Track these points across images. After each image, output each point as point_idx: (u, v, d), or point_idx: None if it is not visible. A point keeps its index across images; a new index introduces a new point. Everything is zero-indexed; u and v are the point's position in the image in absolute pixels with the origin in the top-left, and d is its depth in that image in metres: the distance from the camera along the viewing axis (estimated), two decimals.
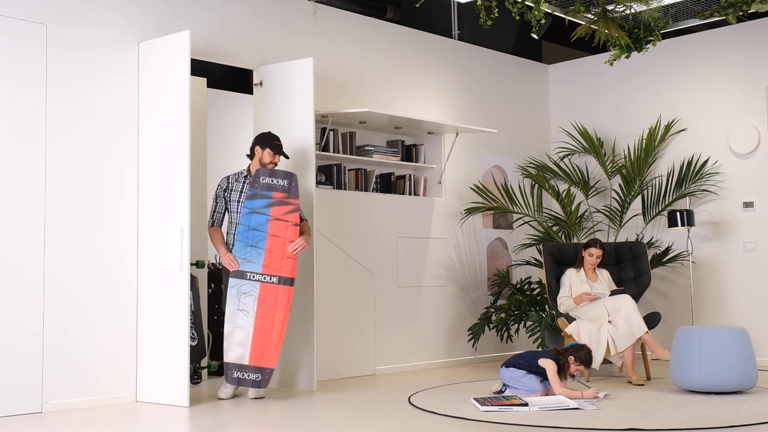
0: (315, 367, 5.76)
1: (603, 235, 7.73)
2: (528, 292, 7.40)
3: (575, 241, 7.60)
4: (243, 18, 6.22)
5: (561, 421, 4.43)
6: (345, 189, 6.81)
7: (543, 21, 5.97)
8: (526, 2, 6.03)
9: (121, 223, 5.39)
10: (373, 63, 7.13)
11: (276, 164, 5.50)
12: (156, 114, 5.43)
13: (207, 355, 6.52)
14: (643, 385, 5.86)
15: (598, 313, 6.15)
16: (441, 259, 7.45)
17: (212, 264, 6.80)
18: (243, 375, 5.29)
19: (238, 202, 5.42)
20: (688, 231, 7.35)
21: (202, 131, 6.54)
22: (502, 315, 7.35)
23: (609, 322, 6.07)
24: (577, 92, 8.53)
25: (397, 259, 7.05)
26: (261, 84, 6.17)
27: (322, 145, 6.56)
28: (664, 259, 7.41)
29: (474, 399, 5.06)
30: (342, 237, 6.63)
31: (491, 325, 7.32)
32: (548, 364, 5.27)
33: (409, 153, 7.37)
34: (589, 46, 7.21)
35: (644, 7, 6.20)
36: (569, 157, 8.17)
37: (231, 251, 5.38)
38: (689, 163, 7.50)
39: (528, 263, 7.79)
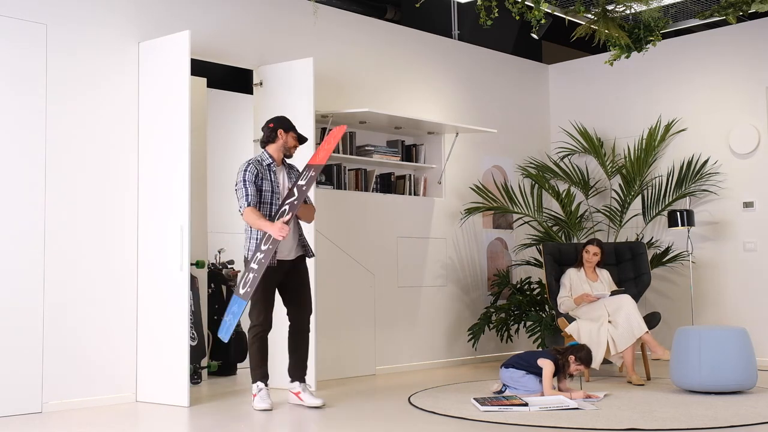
0: (315, 366, 5.75)
1: (603, 235, 7.73)
2: (528, 292, 7.40)
3: (575, 241, 7.60)
4: (243, 18, 6.22)
5: (561, 421, 4.43)
6: (345, 189, 6.82)
7: (543, 21, 5.96)
8: (526, 2, 6.03)
9: (121, 223, 5.39)
10: (373, 63, 7.13)
11: (296, 147, 5.23)
12: (156, 114, 5.43)
13: (207, 355, 6.52)
14: (643, 385, 5.86)
15: (598, 313, 6.15)
16: (441, 259, 7.45)
17: (212, 264, 6.80)
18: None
19: (272, 192, 5.03)
20: (688, 231, 7.35)
21: (202, 131, 6.55)
22: (502, 315, 7.35)
23: (609, 322, 6.07)
24: (577, 92, 8.53)
25: (397, 259, 7.05)
26: (261, 84, 6.17)
27: None
28: (664, 259, 7.41)
29: (474, 399, 5.06)
30: (342, 237, 6.63)
31: (491, 325, 7.32)
32: (546, 364, 5.28)
33: (409, 153, 7.37)
34: (589, 46, 7.21)
35: (644, 7, 6.19)
36: (569, 157, 8.17)
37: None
38: (689, 163, 7.50)
39: (528, 263, 7.79)
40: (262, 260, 4.85)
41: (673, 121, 7.75)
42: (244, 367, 6.78)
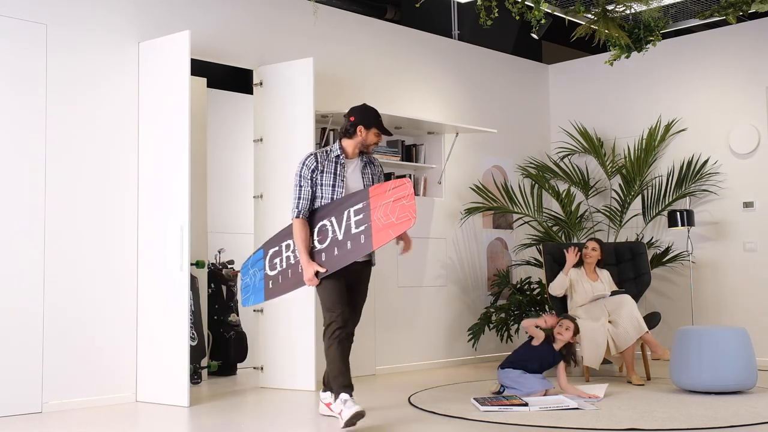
0: (314, 366, 5.75)
1: (603, 235, 7.73)
2: (528, 292, 7.40)
3: (575, 241, 7.60)
4: (243, 18, 6.22)
5: (561, 421, 4.43)
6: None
7: (543, 21, 5.96)
8: (526, 2, 6.03)
9: (121, 223, 5.39)
10: (373, 63, 7.13)
11: (377, 144, 4.72)
12: (156, 114, 5.43)
13: (207, 355, 6.52)
14: (643, 385, 5.86)
15: (598, 313, 6.15)
16: (441, 259, 7.45)
17: (212, 264, 6.80)
18: None
19: (333, 186, 4.56)
20: (688, 231, 7.35)
21: (202, 131, 6.55)
22: (502, 315, 7.35)
23: (609, 321, 6.07)
24: (577, 92, 8.53)
25: (397, 259, 7.05)
26: (261, 84, 6.17)
27: (322, 145, 6.56)
28: (664, 259, 7.41)
29: (474, 399, 5.06)
30: None
31: (491, 325, 7.32)
32: (537, 333, 5.37)
33: (409, 153, 7.37)
34: (589, 46, 7.21)
35: (644, 7, 6.19)
36: (569, 157, 8.17)
37: (315, 258, 4.51)
38: (689, 163, 7.50)
39: (528, 263, 7.79)
40: (291, 262, 4.63)
41: (673, 121, 7.75)
42: (244, 367, 6.80)
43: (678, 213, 7.15)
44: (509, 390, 5.36)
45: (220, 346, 6.64)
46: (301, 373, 5.79)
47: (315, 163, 4.55)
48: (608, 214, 7.71)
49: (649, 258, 7.05)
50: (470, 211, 7.56)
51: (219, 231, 7.11)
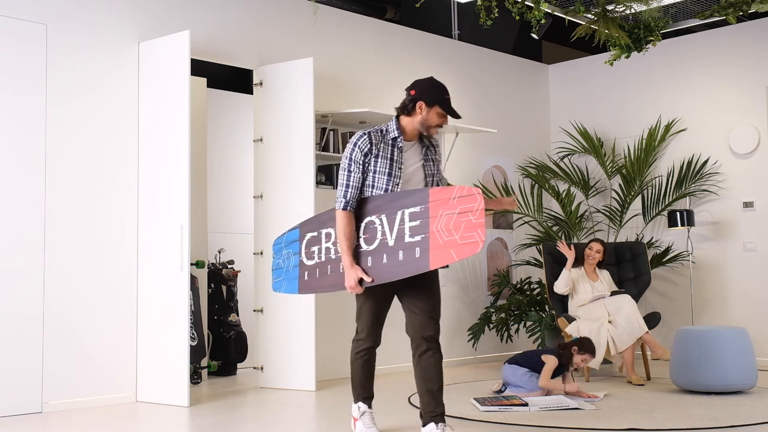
0: (314, 366, 5.75)
1: (603, 235, 7.73)
2: (528, 292, 7.40)
3: (575, 241, 7.60)
4: (243, 18, 6.22)
5: (561, 421, 4.43)
6: None
7: (543, 21, 5.96)
8: (526, 2, 6.03)
9: (121, 223, 5.39)
10: (373, 63, 7.13)
11: (441, 127, 3.99)
12: (156, 114, 5.43)
13: (207, 355, 6.52)
14: (643, 385, 5.86)
15: (598, 313, 6.15)
16: None
17: (212, 264, 6.80)
18: None
19: (389, 175, 3.86)
20: (688, 231, 7.35)
21: (202, 131, 6.55)
22: (502, 315, 7.35)
23: (609, 322, 6.07)
24: (577, 92, 8.53)
25: None
26: (261, 84, 6.17)
27: (322, 145, 6.56)
28: (664, 259, 7.41)
29: (474, 399, 5.06)
30: None
31: (491, 325, 7.32)
32: (549, 359, 5.32)
33: None
34: (589, 46, 7.21)
35: (644, 7, 6.19)
36: (569, 157, 8.17)
37: (360, 262, 3.83)
38: (689, 163, 7.50)
39: (528, 263, 7.79)
40: (331, 256, 3.99)
41: (673, 121, 7.75)
42: (244, 367, 6.79)
43: (678, 213, 7.15)
44: (510, 388, 5.37)
45: (220, 346, 6.65)
46: (301, 373, 5.79)
47: (369, 145, 3.84)
48: (608, 214, 7.71)
49: (649, 258, 7.05)
50: None
51: (219, 231, 7.11)
